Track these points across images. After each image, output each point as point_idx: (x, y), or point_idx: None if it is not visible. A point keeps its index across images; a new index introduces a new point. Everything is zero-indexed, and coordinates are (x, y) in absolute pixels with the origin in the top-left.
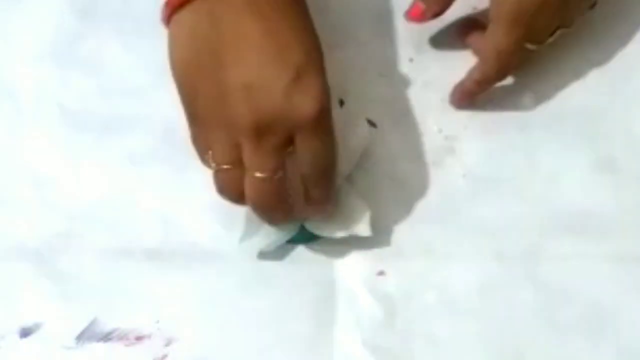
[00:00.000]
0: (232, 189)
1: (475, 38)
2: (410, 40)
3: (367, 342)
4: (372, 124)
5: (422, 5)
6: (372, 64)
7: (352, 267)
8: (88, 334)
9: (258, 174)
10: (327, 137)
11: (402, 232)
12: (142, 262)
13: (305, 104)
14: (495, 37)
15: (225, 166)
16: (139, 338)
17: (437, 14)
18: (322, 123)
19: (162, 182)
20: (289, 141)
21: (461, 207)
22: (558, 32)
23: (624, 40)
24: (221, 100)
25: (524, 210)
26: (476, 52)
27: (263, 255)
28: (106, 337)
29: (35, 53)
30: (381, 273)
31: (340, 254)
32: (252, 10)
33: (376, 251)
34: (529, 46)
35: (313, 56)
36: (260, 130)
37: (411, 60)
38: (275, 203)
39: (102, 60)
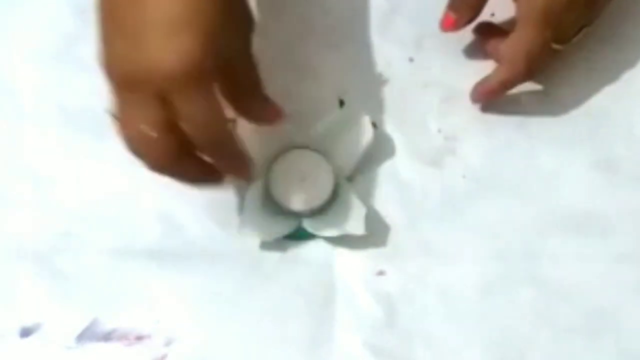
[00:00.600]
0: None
1: (494, 44)
2: (410, 40)
3: (367, 342)
4: (372, 124)
5: (453, 15)
6: (372, 64)
7: (352, 267)
8: (88, 334)
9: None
10: (205, 105)
11: (402, 232)
12: (141, 262)
13: (171, 59)
14: (525, 37)
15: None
16: (139, 338)
17: (470, 20)
18: (196, 86)
19: (160, 182)
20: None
21: (461, 207)
22: (582, 31)
23: (625, 41)
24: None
25: (524, 210)
26: (497, 57)
27: (262, 251)
28: (106, 337)
29: (34, 53)
30: (381, 273)
31: (340, 253)
32: None
33: (376, 251)
34: (556, 46)
35: (201, 17)
36: (128, 83)
37: (411, 60)
38: (167, 161)
39: None
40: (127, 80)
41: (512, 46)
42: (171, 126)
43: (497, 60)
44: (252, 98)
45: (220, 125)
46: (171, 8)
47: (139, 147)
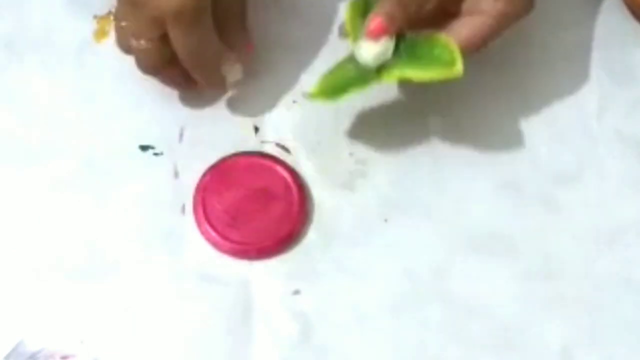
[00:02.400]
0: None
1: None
2: (321, 68)
3: (284, 359)
4: (285, 149)
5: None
6: (285, 92)
7: (268, 286)
8: (15, 355)
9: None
10: (191, 36)
11: (316, 252)
12: (65, 284)
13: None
14: None
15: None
16: (64, 357)
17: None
18: (191, 23)
19: (82, 207)
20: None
21: (373, 227)
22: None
23: (526, 63)
24: None
25: (432, 230)
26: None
27: (182, 271)
28: (33, 358)
29: None
30: (296, 292)
31: (257, 273)
32: None
33: (291, 271)
34: None
35: None
36: (139, 3)
37: None
38: (152, 69)
39: (25, 90)
40: (139, 2)
41: None
42: (163, 42)
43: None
44: (235, 29)
45: (206, 54)
46: None
47: (134, 53)
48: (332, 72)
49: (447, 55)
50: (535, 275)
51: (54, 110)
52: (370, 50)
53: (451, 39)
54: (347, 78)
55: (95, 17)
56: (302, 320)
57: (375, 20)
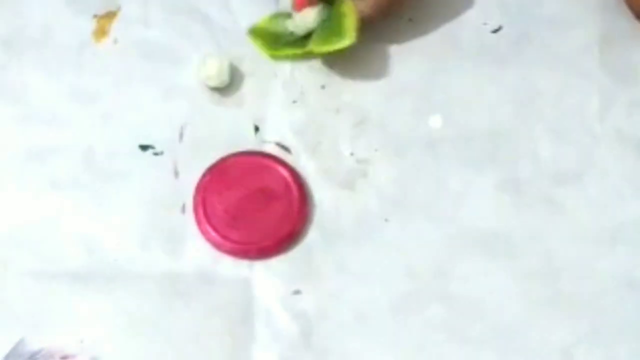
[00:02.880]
0: None
1: None
2: (322, 68)
3: (284, 359)
4: (286, 149)
5: None
6: (286, 92)
7: (269, 286)
8: (15, 355)
9: None
10: None
11: (317, 251)
12: (65, 283)
13: None
14: None
15: None
16: (64, 357)
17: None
18: None
19: (83, 206)
20: None
21: (374, 227)
22: None
23: (527, 63)
24: None
25: (434, 230)
26: None
27: (182, 271)
28: (33, 357)
29: None
30: (297, 292)
31: (257, 273)
32: None
33: (292, 271)
34: None
35: None
36: None
37: (323, 87)
38: None
39: (24, 89)
40: None
41: None
42: None
43: None
44: None
45: None
46: None
47: None
48: (272, 21)
49: (345, 24)
50: (536, 274)
51: (53, 110)
52: (296, 20)
53: (352, 6)
54: (286, 38)
55: (95, 16)
56: (302, 320)
57: None
